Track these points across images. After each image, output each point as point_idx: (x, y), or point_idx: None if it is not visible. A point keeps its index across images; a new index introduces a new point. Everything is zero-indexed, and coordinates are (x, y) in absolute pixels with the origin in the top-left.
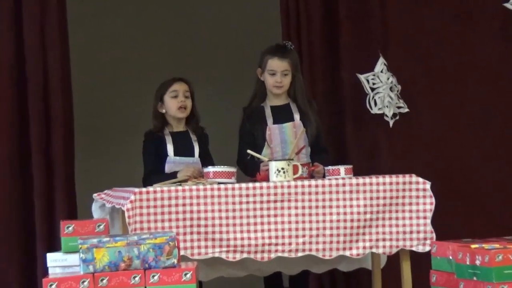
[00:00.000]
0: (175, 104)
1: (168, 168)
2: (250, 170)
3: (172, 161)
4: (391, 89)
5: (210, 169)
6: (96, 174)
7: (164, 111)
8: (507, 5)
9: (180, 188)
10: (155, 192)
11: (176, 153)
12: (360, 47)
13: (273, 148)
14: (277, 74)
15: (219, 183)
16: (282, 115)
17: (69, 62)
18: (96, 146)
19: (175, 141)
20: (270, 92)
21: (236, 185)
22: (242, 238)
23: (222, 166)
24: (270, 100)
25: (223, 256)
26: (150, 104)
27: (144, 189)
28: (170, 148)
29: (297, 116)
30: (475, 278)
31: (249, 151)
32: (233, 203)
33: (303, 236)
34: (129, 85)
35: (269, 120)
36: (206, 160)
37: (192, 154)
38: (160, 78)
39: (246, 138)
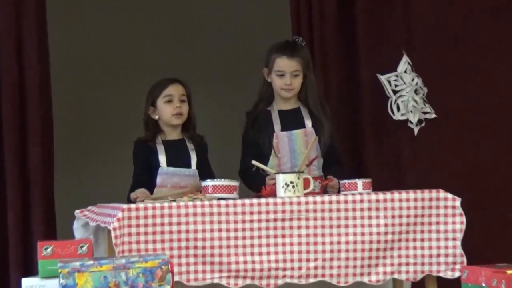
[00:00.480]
0: (169, 109)
1: (160, 181)
2: (255, 184)
3: (165, 172)
4: (416, 91)
5: (209, 182)
6: (78, 188)
7: (156, 117)
8: None
9: (174, 204)
10: (145, 208)
11: (169, 163)
12: (381, 43)
13: (280, 158)
14: (286, 75)
15: (219, 198)
16: (291, 120)
17: (48, 60)
18: (79, 156)
19: (168, 150)
20: (278, 95)
21: (239, 201)
22: (245, 262)
23: (222, 179)
24: (277, 103)
25: (223, 282)
26: (142, 108)
27: (133, 206)
28: (162, 158)
29: (308, 122)
30: None
31: (253, 162)
32: (235, 222)
33: (315, 259)
34: (118, 87)
35: (277, 126)
36: (205, 172)
37: (188, 165)
38: (153, 78)
39: (250, 147)
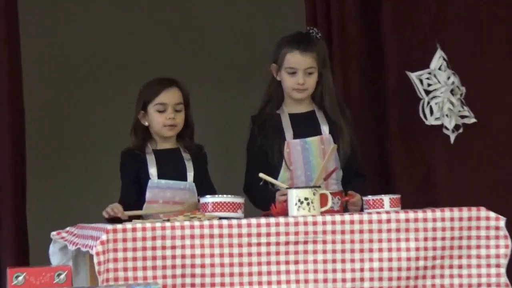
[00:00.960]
0: (161, 119)
1: (150, 196)
2: (263, 201)
3: (156, 186)
4: (452, 92)
5: (209, 199)
6: (54, 205)
7: (146, 123)
8: None
9: (168, 224)
10: (134, 230)
11: (161, 176)
12: (411, 35)
13: (293, 171)
14: (298, 73)
15: (220, 218)
16: (305, 126)
17: (20, 60)
18: (56, 169)
19: (160, 160)
20: (288, 96)
21: (244, 221)
22: None
23: (224, 196)
24: (288, 106)
25: None
26: (130, 113)
27: (119, 226)
28: (153, 170)
29: (325, 128)
30: None
31: (261, 174)
32: (239, 246)
33: None
34: (101, 90)
35: (288, 133)
36: (205, 186)
37: (183, 177)
38: (143, 77)
39: (256, 158)
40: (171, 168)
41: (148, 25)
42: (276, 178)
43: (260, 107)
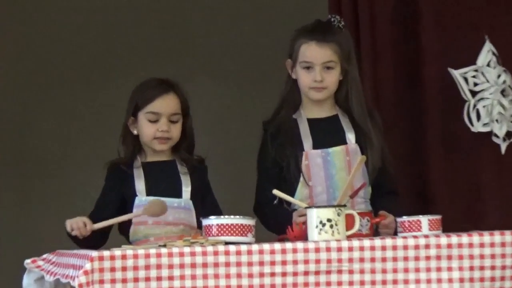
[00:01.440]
0: (151, 131)
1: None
2: (277, 223)
3: (144, 204)
4: (503, 92)
5: (213, 220)
6: (28, 228)
7: (135, 132)
8: None
9: (164, 251)
10: (124, 257)
11: (151, 192)
12: (454, 26)
13: (313, 187)
14: (315, 68)
15: (226, 243)
16: (327, 134)
17: None
18: (28, 186)
19: (150, 174)
20: (306, 97)
21: (255, 247)
22: None
23: (232, 217)
24: (307, 109)
25: None
26: (117, 121)
27: (106, 253)
28: (140, 185)
29: (351, 136)
30: None
31: (275, 191)
32: (250, 276)
33: None
34: (84, 93)
35: (307, 141)
36: (207, 205)
37: (178, 194)
38: (133, 79)
39: (269, 171)
40: (163, 183)
41: (147, 17)
42: (292, 195)
43: (274, 111)
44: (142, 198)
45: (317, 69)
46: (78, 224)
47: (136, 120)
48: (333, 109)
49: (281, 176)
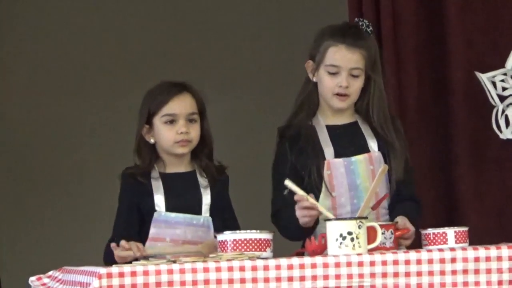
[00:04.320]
0: (171, 134)
1: (155, 232)
2: (295, 232)
3: (163, 220)
4: None
5: (228, 236)
6: (33, 245)
7: (152, 140)
8: None
9: (176, 267)
10: (133, 274)
11: (169, 207)
12: (482, 27)
13: (336, 198)
14: (341, 73)
15: (243, 259)
16: (347, 141)
17: None
18: (36, 200)
19: (169, 187)
20: (326, 103)
21: (272, 263)
22: None
23: (248, 231)
24: (325, 115)
25: None
26: (128, 131)
27: (115, 270)
28: (159, 199)
29: (373, 144)
30: None
31: (287, 182)
32: None
33: None
34: (88, 100)
35: (328, 149)
36: (225, 219)
37: (197, 209)
38: (142, 83)
39: (285, 180)
40: (182, 198)
41: (152, 20)
42: None
43: (290, 116)
44: (161, 213)
45: (344, 75)
46: (140, 248)
47: (151, 127)
48: (352, 116)
49: (301, 184)
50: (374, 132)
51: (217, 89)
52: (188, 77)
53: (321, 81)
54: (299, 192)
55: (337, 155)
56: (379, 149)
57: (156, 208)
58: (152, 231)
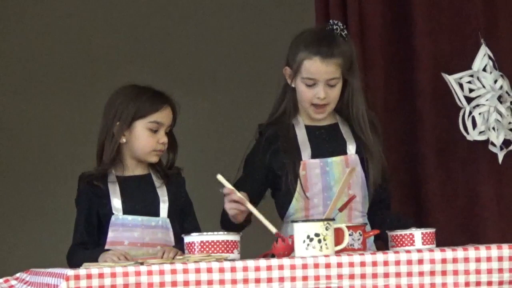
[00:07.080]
0: (151, 141)
1: (114, 236)
2: (225, 223)
3: (121, 223)
4: (500, 99)
5: (195, 237)
6: (1, 246)
7: (124, 140)
8: None
9: (144, 269)
10: (101, 276)
11: (127, 210)
12: (448, 28)
13: (310, 199)
14: (318, 84)
15: (210, 260)
16: (326, 142)
17: None
18: (2, 200)
19: (126, 190)
20: (303, 109)
21: (239, 264)
22: None
23: (215, 233)
24: (304, 116)
25: None
26: (92, 131)
27: (83, 272)
28: (117, 203)
29: (351, 147)
30: None
31: (219, 176)
32: None
33: None
34: (63, 101)
35: (305, 150)
36: (187, 221)
37: (154, 211)
38: (111, 83)
39: (254, 175)
40: (139, 200)
41: (138, 22)
42: (286, 207)
43: (270, 115)
44: (119, 217)
45: (320, 86)
46: (124, 254)
47: (129, 128)
48: (333, 117)
49: (276, 185)
50: (354, 134)
51: (194, 89)
52: (167, 77)
53: (299, 91)
54: (228, 186)
55: (314, 155)
56: (357, 152)
57: (114, 211)
58: (110, 234)
